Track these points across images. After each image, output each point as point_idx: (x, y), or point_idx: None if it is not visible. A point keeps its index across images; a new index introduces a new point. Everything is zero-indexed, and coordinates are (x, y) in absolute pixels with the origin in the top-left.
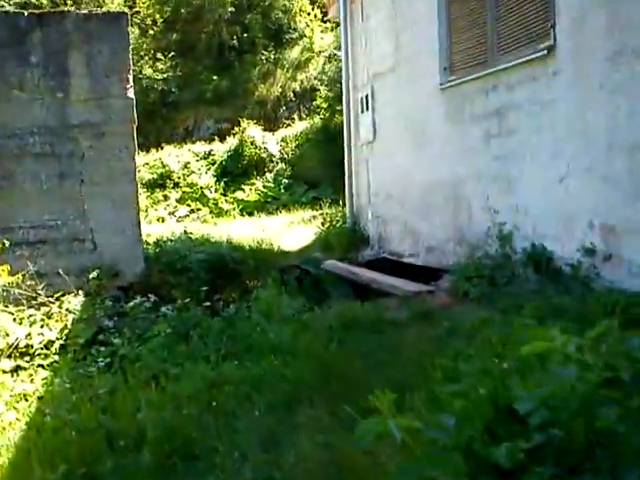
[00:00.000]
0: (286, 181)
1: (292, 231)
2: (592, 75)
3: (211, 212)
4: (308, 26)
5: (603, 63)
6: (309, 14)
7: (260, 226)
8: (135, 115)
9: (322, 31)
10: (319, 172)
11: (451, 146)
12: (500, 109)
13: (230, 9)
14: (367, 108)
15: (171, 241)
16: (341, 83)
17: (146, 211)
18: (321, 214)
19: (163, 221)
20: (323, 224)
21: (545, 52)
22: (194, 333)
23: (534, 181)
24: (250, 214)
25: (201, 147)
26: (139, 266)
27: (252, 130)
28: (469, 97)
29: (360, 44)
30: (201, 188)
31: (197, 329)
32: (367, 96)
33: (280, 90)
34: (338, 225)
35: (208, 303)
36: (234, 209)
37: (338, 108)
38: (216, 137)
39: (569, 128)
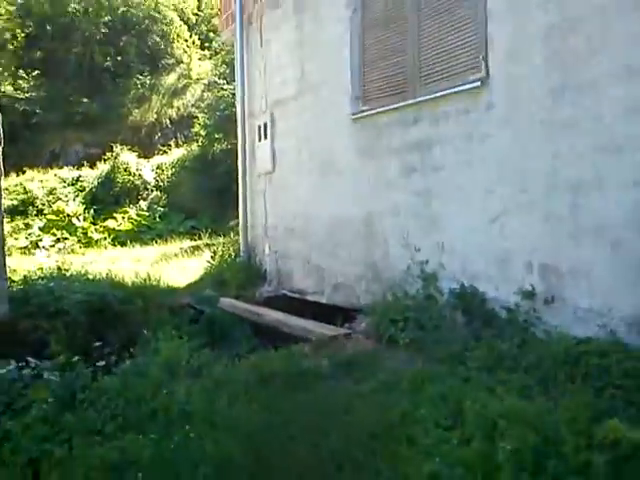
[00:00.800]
0: (162, 209)
1: (175, 264)
2: (530, 111)
3: (79, 242)
4: (186, 52)
5: (543, 99)
6: (187, 40)
7: (136, 258)
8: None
9: (200, 58)
10: (197, 201)
11: (363, 179)
12: (423, 142)
13: (103, 30)
14: (265, 136)
15: (42, 278)
16: (224, 110)
17: (3, 240)
18: (206, 245)
19: (28, 252)
20: (213, 257)
21: (478, 84)
22: (82, 398)
23: (463, 219)
24: (123, 244)
25: (69, 172)
26: (2, 308)
27: (126, 156)
28: (385, 129)
29: (258, 70)
30: (68, 216)
31: (86, 392)
32: (266, 124)
33: (155, 116)
34: (230, 259)
35: (93, 354)
36: (105, 239)
37: (217, 136)
38: (85, 162)
39: (504, 165)
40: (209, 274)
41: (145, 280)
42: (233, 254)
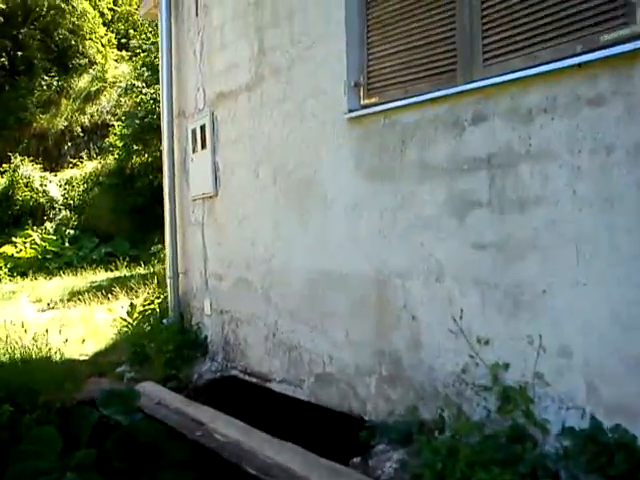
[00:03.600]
0: (72, 232)
1: (80, 312)
2: None
3: None
4: (100, 52)
5: None
6: (102, 37)
7: (37, 297)
8: None
9: (117, 60)
10: (113, 222)
11: (372, 217)
12: (496, 156)
13: None
14: (203, 145)
15: None
16: (144, 118)
17: None
18: (123, 280)
19: None
20: (130, 312)
21: (628, 47)
22: None
23: (590, 298)
24: (23, 275)
25: None
26: None
27: (27, 169)
28: (414, 134)
29: (192, 50)
30: None
31: None
32: (203, 128)
33: (65, 123)
34: (154, 318)
35: None
36: (0, 268)
37: (136, 147)
38: None
39: None
40: (126, 338)
41: (32, 350)
42: (158, 311)
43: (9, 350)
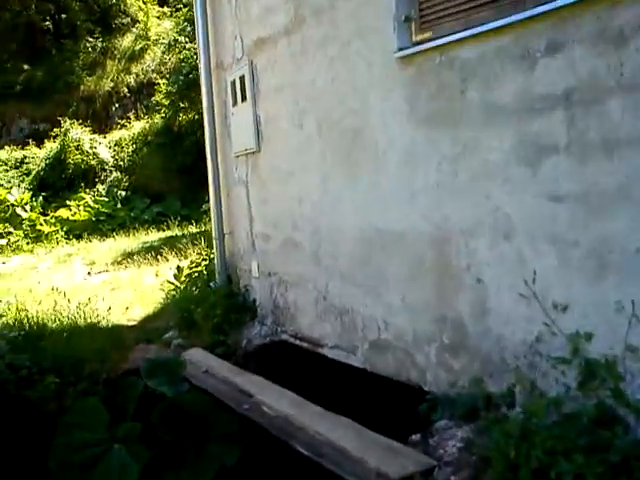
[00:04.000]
0: (123, 193)
1: (131, 275)
2: None
3: (27, 236)
4: (142, 10)
5: None
6: None
7: (90, 260)
8: None
9: (159, 17)
10: (163, 182)
11: (428, 167)
12: (575, 91)
13: None
14: (244, 98)
15: None
16: (188, 74)
17: None
18: (174, 239)
19: None
20: (178, 275)
21: None
22: None
23: None
24: (79, 237)
25: (11, 153)
26: None
27: (77, 132)
28: (475, 71)
29: None
30: (12, 206)
31: None
32: (243, 79)
33: (112, 84)
34: (202, 281)
35: None
36: (57, 232)
37: (182, 105)
38: (31, 141)
39: None
40: (173, 303)
41: (79, 317)
42: (206, 274)
43: (57, 318)
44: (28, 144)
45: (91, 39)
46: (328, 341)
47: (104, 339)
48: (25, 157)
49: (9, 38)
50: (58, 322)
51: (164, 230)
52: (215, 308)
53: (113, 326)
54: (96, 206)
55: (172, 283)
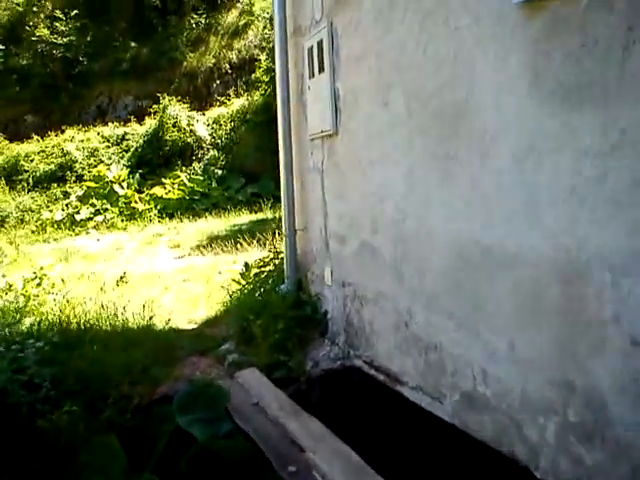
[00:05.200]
0: (219, 172)
1: (210, 263)
2: None
3: (121, 214)
4: None
5: None
6: None
7: (175, 243)
8: None
9: None
10: (259, 161)
11: (561, 164)
12: None
13: None
14: (321, 69)
15: None
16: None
17: (39, 212)
18: (264, 223)
19: (66, 229)
20: (245, 273)
21: None
22: None
23: None
24: (171, 216)
25: (114, 130)
26: None
27: (175, 109)
28: None
29: None
30: (110, 182)
31: None
32: (320, 44)
33: (213, 61)
34: (270, 283)
35: None
36: (151, 210)
37: None
38: (133, 117)
39: None
40: (235, 306)
41: (137, 316)
42: (276, 274)
43: (108, 317)
44: (130, 121)
45: (195, 15)
46: (409, 379)
47: (153, 347)
48: (126, 134)
49: (119, 16)
50: (108, 323)
51: (256, 212)
52: (277, 320)
53: (169, 330)
54: (191, 185)
55: (238, 282)
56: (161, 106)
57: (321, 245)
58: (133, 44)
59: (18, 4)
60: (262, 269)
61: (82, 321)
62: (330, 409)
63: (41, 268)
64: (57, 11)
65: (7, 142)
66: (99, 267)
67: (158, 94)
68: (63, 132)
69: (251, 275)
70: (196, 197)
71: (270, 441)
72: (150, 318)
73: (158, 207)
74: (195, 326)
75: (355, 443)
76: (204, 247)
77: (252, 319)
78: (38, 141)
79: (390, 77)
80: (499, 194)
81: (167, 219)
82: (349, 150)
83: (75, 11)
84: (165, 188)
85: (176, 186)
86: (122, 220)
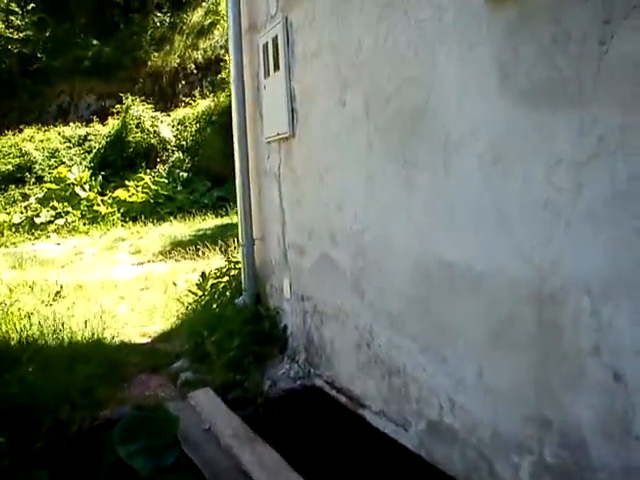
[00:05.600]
0: (184, 175)
1: (170, 270)
2: None
3: (84, 217)
4: None
5: None
6: None
7: (136, 248)
8: None
9: None
10: (226, 164)
11: (533, 171)
12: None
13: None
14: (276, 66)
15: None
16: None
17: None
18: (225, 226)
19: (25, 234)
20: (202, 283)
21: None
22: None
23: None
24: (135, 219)
25: (75, 130)
26: None
27: (138, 109)
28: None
29: None
30: (72, 185)
31: None
32: (276, 41)
33: (179, 60)
34: (227, 295)
35: None
36: (114, 213)
37: None
38: (96, 117)
39: None
40: (190, 320)
41: (87, 329)
42: (233, 282)
43: (56, 330)
44: (92, 121)
45: (160, 14)
46: (371, 403)
47: (100, 365)
48: (88, 134)
49: (79, 11)
50: (54, 337)
51: (222, 216)
52: (233, 336)
53: (120, 344)
54: (155, 187)
55: (194, 293)
56: (124, 106)
57: (279, 256)
58: (95, 42)
59: None
60: (219, 279)
61: (24, 336)
62: (288, 433)
63: None
64: (12, 4)
65: None
66: (54, 274)
67: (121, 94)
68: (21, 131)
69: (208, 286)
70: (160, 200)
71: (221, 475)
72: (101, 331)
73: (121, 210)
74: (148, 340)
75: (314, 473)
76: (166, 253)
77: (206, 335)
78: None
79: (347, 75)
80: (464, 205)
81: (130, 223)
82: (306, 154)
83: (32, 5)
84: (129, 191)
85: (140, 189)
86: (84, 224)
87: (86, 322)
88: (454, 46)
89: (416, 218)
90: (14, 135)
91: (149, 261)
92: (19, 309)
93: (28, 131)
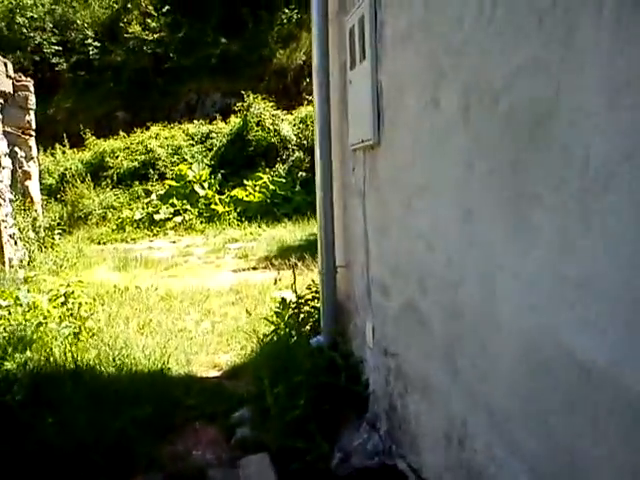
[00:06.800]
0: (303, 175)
1: (265, 284)
2: None
3: (201, 215)
4: None
5: None
6: None
7: (243, 252)
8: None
9: None
10: None
11: None
12: None
13: None
14: (363, 55)
15: None
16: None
17: (120, 210)
18: None
19: (145, 230)
20: (280, 314)
21: None
22: None
23: None
24: (250, 219)
25: (199, 127)
26: None
27: (259, 107)
28: None
29: None
30: (191, 182)
31: None
32: (362, 22)
33: (304, 58)
34: (304, 331)
35: None
36: (230, 212)
37: None
38: (218, 116)
39: None
40: (263, 354)
41: (157, 362)
42: (311, 317)
43: (124, 357)
44: (215, 119)
45: (287, 10)
46: None
47: (152, 404)
48: (211, 132)
49: (211, 11)
50: (115, 364)
51: None
52: (300, 390)
53: (185, 377)
54: (273, 187)
55: (271, 322)
56: (245, 104)
57: (363, 291)
58: (223, 40)
59: (116, 2)
60: (301, 308)
61: (83, 360)
62: None
63: (80, 281)
64: (149, 7)
65: (94, 138)
66: (153, 279)
67: (243, 92)
68: (148, 129)
69: (287, 315)
70: (277, 201)
71: None
72: (167, 359)
73: (238, 210)
74: (217, 374)
75: None
76: (271, 259)
77: (268, 384)
78: (124, 137)
79: (442, 63)
80: (613, 274)
81: (246, 223)
82: (392, 169)
83: (167, 7)
84: (246, 190)
85: (258, 188)
86: (201, 222)
87: (151, 350)
88: (596, 18)
89: (530, 280)
90: (142, 132)
91: (251, 268)
92: (88, 329)
93: (154, 128)
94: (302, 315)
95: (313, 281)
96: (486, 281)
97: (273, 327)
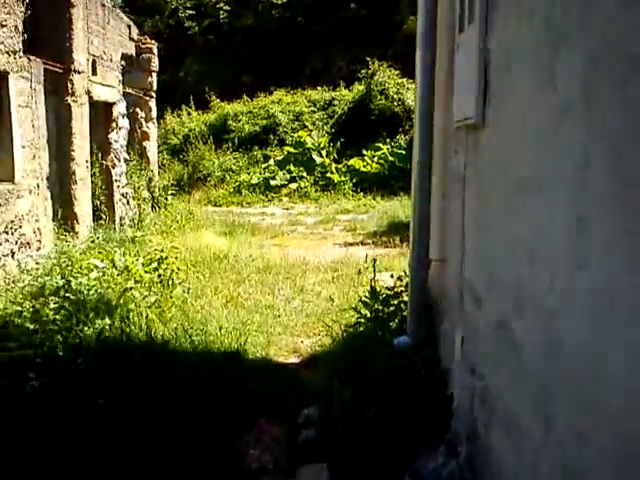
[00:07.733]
0: None
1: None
2: None
3: (316, 183)
4: None
5: None
6: None
7: (352, 226)
8: None
9: None
10: None
11: None
12: None
13: None
14: (471, 16)
15: None
16: None
17: (239, 174)
18: None
19: (259, 194)
20: (368, 303)
21: None
22: None
23: None
24: (365, 191)
25: (322, 94)
26: None
27: (383, 75)
28: None
29: None
30: (309, 150)
31: None
32: None
33: None
34: (388, 327)
35: None
36: (345, 182)
37: None
38: (342, 82)
39: None
40: (344, 347)
41: (234, 343)
42: (400, 312)
43: (199, 333)
44: (339, 85)
45: None
46: None
47: (220, 393)
48: (333, 99)
49: None
50: (192, 341)
51: None
52: (372, 400)
53: (262, 362)
54: (392, 159)
55: (358, 312)
56: (369, 72)
57: (456, 292)
58: (353, 5)
59: None
60: (390, 300)
61: (158, 333)
62: None
63: (174, 247)
64: None
65: (219, 101)
66: (256, 248)
67: (368, 59)
68: (271, 93)
69: (374, 307)
70: (395, 173)
71: None
72: (244, 341)
73: (354, 180)
74: (296, 360)
75: None
76: (380, 235)
77: (338, 387)
78: (248, 102)
79: (562, 25)
80: None
81: (361, 194)
82: (495, 155)
83: None
84: (364, 160)
85: (376, 159)
86: (315, 190)
87: (231, 328)
88: None
89: None
90: (265, 97)
91: (358, 243)
92: (175, 297)
93: (278, 93)
94: (391, 308)
95: (399, 278)
96: (597, 316)
97: (358, 317)
